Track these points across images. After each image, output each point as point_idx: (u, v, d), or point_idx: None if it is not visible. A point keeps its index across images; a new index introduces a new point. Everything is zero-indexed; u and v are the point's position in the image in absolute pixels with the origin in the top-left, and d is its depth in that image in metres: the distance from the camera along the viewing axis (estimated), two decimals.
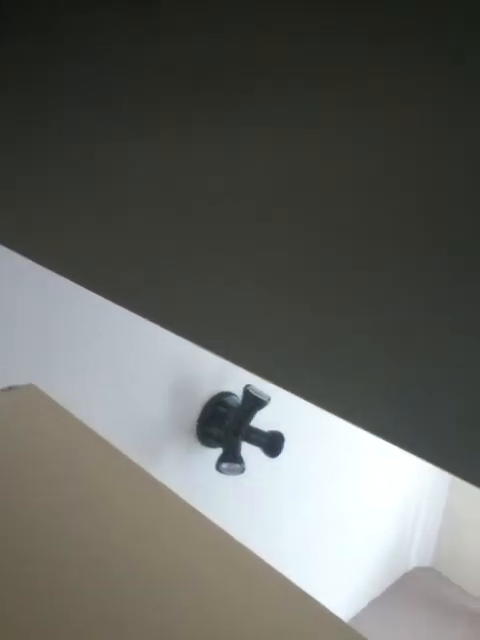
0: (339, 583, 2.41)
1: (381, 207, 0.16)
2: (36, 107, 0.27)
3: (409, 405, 0.21)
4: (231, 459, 1.50)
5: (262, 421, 1.59)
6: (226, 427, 1.54)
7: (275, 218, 0.19)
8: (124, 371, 1.35)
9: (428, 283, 0.17)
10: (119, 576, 0.49)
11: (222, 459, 1.50)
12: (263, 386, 1.57)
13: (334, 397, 0.24)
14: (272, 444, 1.54)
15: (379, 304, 0.19)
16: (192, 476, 1.62)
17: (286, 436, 1.58)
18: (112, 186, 0.26)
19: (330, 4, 0.14)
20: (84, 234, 0.31)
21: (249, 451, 1.57)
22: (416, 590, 2.70)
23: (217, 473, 1.56)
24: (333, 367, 0.23)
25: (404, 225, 0.16)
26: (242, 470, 1.51)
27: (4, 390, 0.78)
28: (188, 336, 0.28)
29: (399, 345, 0.20)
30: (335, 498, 2.22)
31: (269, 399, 1.51)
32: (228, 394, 1.61)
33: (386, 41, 0.14)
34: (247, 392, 1.51)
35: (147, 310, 0.31)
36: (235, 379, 1.62)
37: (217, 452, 1.58)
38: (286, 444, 1.59)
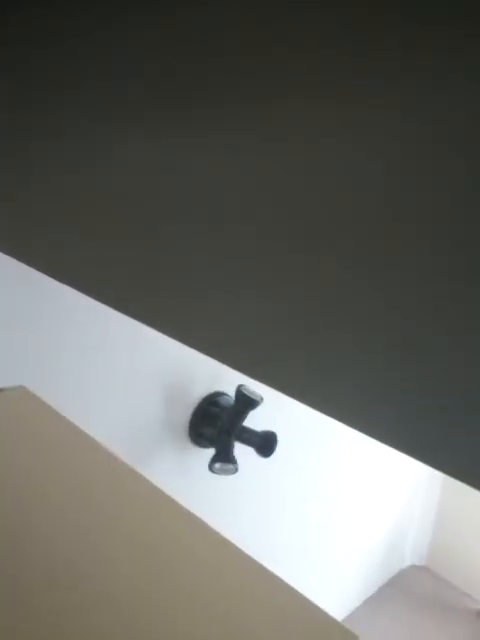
0: (334, 582, 2.41)
1: (381, 211, 0.16)
2: (34, 112, 0.27)
3: (402, 405, 0.21)
4: (224, 459, 1.50)
5: (255, 421, 1.59)
6: (219, 427, 1.54)
7: (272, 223, 0.19)
8: (116, 372, 1.35)
9: (426, 286, 0.17)
10: (110, 576, 0.49)
11: (215, 459, 1.50)
12: (256, 386, 1.57)
13: (326, 398, 0.24)
14: (265, 444, 1.54)
15: (374, 307, 0.19)
16: (185, 476, 1.62)
17: (279, 436, 1.58)
18: (109, 190, 0.26)
19: (330, 12, 0.14)
20: (79, 239, 0.31)
21: (242, 451, 1.57)
22: (410, 588, 2.71)
23: (210, 473, 1.56)
24: (325, 368, 0.22)
25: (403, 229, 0.16)
26: (235, 470, 1.51)
27: None
28: (177, 336, 0.28)
29: (393, 345, 0.19)
30: (328, 497, 2.22)
31: (262, 399, 1.51)
32: (221, 394, 1.61)
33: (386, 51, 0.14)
34: (240, 392, 1.51)
35: (142, 314, 0.31)
36: (228, 379, 1.62)
37: (210, 452, 1.57)
38: (279, 444, 1.59)
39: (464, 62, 0.13)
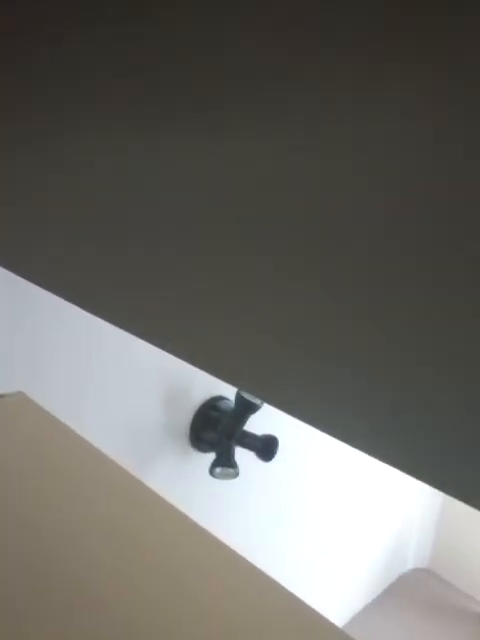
0: (336, 585, 2.40)
1: (384, 224, 0.16)
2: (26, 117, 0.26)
3: (395, 423, 0.20)
4: (225, 463, 1.49)
5: (255, 425, 1.59)
6: (219, 431, 1.53)
7: (269, 230, 0.19)
8: (115, 377, 1.34)
9: (424, 301, 0.17)
10: (107, 584, 0.49)
11: (216, 464, 1.50)
12: None
13: (323, 416, 0.23)
14: (266, 448, 1.53)
15: (373, 319, 0.18)
16: (186, 481, 1.61)
17: (280, 440, 1.58)
18: (103, 201, 0.25)
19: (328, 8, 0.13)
20: (71, 250, 0.31)
21: (243, 455, 1.56)
22: (414, 591, 2.70)
23: (211, 478, 1.55)
24: (323, 385, 0.22)
25: (406, 242, 0.16)
26: (236, 474, 1.51)
27: None
28: (171, 350, 0.28)
29: (387, 362, 0.19)
30: (330, 500, 2.21)
31: (262, 403, 1.50)
32: (221, 398, 1.61)
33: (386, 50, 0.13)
34: (240, 396, 1.50)
35: (133, 325, 0.30)
36: (227, 384, 1.61)
37: (211, 457, 1.57)
38: (280, 448, 1.58)
39: (465, 68, 0.13)
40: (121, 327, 0.32)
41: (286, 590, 0.51)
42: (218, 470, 1.49)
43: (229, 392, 1.62)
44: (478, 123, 0.12)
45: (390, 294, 0.17)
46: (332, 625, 0.48)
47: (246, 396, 1.49)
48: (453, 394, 0.18)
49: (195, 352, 0.28)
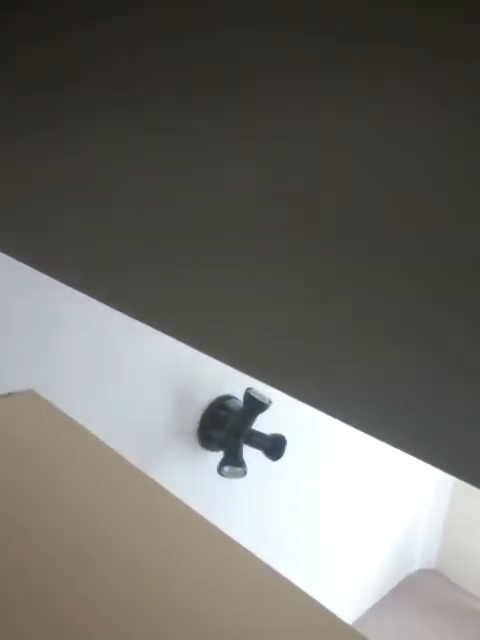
0: (343, 585, 2.40)
1: (381, 207, 0.16)
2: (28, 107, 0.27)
3: (407, 405, 0.21)
4: (233, 462, 1.49)
5: (264, 424, 1.59)
6: (227, 430, 1.53)
7: (272, 220, 0.19)
8: (125, 375, 1.35)
9: (430, 281, 0.17)
10: (119, 581, 0.49)
11: (224, 462, 1.50)
12: (264, 389, 1.57)
13: (334, 400, 0.24)
14: (274, 447, 1.53)
15: (379, 302, 0.19)
16: (194, 479, 1.61)
17: (288, 439, 1.58)
18: (106, 187, 0.26)
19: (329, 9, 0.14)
20: (78, 238, 0.31)
21: (251, 454, 1.56)
22: (420, 592, 2.70)
23: (219, 476, 1.55)
24: (330, 368, 0.22)
25: (414, 225, 0.16)
26: (244, 473, 1.51)
27: (3, 396, 0.78)
28: (182, 337, 0.28)
29: (395, 342, 0.19)
30: (338, 500, 2.21)
31: (270, 402, 1.50)
32: (229, 397, 1.61)
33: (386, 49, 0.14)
34: (248, 395, 1.51)
35: (144, 313, 0.31)
36: (236, 382, 1.61)
37: (219, 456, 1.57)
38: (288, 447, 1.58)
39: (464, 60, 0.13)
40: (124, 311, 0.32)
41: (294, 585, 0.52)
42: (226, 469, 1.49)
43: (238, 391, 1.62)
44: (478, 123, 0.13)
45: (389, 285, 0.17)
46: (343, 622, 0.48)
47: (255, 395, 1.50)
48: (459, 379, 0.18)
49: (199, 336, 0.28)
